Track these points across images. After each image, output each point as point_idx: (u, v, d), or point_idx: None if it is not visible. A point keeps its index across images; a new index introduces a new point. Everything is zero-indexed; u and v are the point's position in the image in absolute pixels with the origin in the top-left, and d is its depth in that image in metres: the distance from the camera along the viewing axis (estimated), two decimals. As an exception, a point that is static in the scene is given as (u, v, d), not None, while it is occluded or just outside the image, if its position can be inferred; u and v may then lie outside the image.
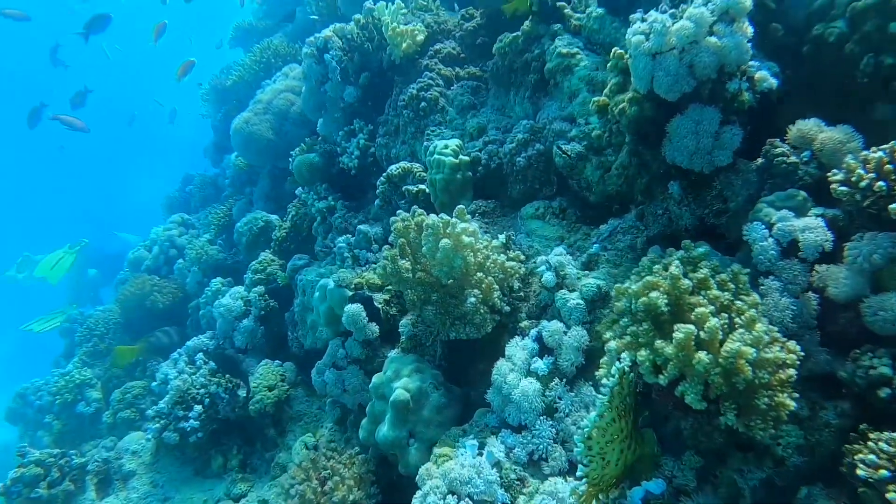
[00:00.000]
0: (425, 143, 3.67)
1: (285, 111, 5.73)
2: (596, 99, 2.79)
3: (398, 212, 3.05)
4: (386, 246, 3.01)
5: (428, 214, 2.80)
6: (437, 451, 2.59)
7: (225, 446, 4.05)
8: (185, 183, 9.29)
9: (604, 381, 2.01)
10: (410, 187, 3.49)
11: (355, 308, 3.07)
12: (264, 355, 4.39)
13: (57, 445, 6.17)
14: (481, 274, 2.68)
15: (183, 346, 4.55)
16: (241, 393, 3.96)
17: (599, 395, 1.91)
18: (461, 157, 3.33)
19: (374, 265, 3.43)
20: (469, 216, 2.79)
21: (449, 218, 2.71)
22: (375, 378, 2.83)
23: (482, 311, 2.65)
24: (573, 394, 2.44)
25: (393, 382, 2.76)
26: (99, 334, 7.05)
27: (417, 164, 3.59)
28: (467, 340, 2.78)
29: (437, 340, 3.09)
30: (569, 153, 3.00)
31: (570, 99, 3.15)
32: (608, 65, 2.72)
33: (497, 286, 2.68)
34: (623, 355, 2.09)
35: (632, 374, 2.07)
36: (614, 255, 2.79)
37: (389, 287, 3.33)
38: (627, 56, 2.62)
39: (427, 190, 3.49)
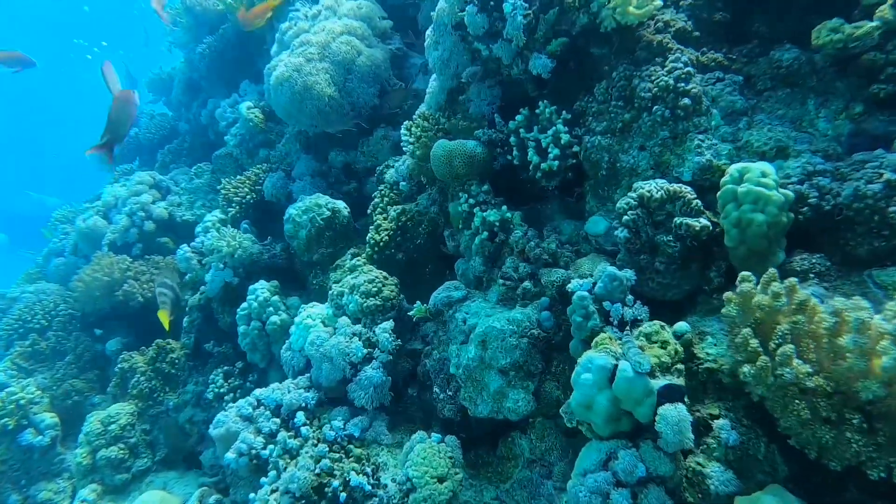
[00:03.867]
0: (696, 158, 2.67)
1: (349, 62, 4.35)
2: None
3: (743, 275, 2.10)
4: (746, 331, 2.05)
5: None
6: None
7: (353, 547, 2.92)
8: (126, 124, 7.29)
9: None
10: (691, 222, 2.50)
11: (681, 412, 2.09)
12: (386, 414, 3.25)
13: (-6, 488, 4.57)
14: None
15: (259, 396, 3.26)
16: (387, 480, 2.83)
17: None
18: (783, 191, 2.40)
19: (647, 332, 2.43)
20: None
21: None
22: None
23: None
24: None
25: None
26: (38, 328, 5.33)
27: (686, 188, 2.59)
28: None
29: (774, 450, 2.22)
30: (978, 210, 2.18)
31: (959, 130, 2.31)
32: None
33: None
34: None
35: None
36: None
37: (679, 367, 2.37)
38: None
39: (709, 227, 2.52)
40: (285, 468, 2.86)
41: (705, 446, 2.29)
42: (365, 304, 3.27)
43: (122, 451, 4.36)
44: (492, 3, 3.12)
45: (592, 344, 2.46)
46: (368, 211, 3.94)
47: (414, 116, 3.68)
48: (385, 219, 3.68)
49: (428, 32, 3.58)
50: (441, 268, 3.60)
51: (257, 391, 3.29)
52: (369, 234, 3.69)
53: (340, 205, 4.10)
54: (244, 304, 3.99)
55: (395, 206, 3.70)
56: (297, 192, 4.45)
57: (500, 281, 2.97)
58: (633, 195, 2.65)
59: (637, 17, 2.90)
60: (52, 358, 5.22)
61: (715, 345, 2.45)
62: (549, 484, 2.82)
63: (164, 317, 4.56)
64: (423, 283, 3.60)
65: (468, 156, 3.14)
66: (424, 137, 3.36)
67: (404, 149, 3.57)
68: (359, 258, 3.68)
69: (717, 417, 2.30)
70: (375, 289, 3.32)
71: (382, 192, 3.88)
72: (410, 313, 3.21)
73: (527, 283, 2.93)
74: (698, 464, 2.27)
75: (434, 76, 3.76)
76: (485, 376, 2.86)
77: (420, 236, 3.56)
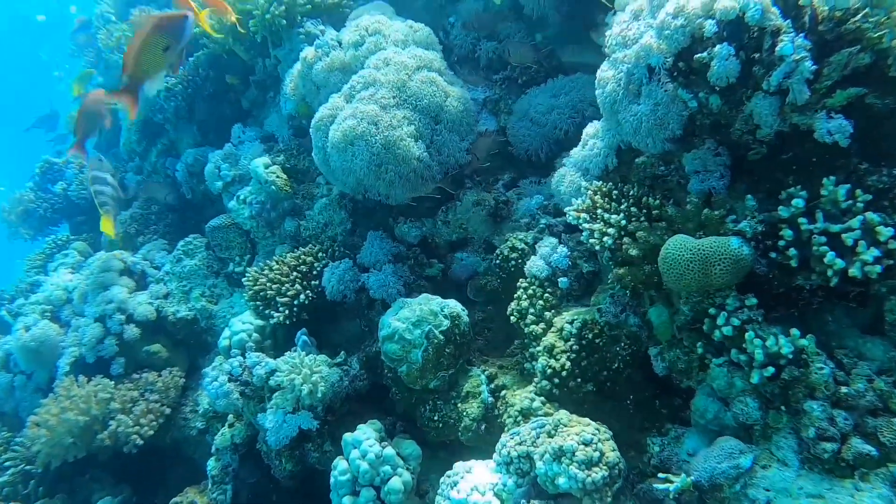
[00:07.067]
0: None
1: (437, 107, 3.29)
2: None
3: None
4: None
5: None
6: None
7: None
8: (45, 178, 5.66)
9: None
10: None
11: None
12: None
13: None
14: None
15: None
16: None
17: None
18: None
19: None
20: None
21: None
22: None
23: None
24: None
25: None
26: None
27: None
28: None
29: None
30: None
31: None
32: None
33: None
34: None
35: None
36: None
37: None
38: None
39: None
40: None
41: None
42: (588, 480, 2.25)
43: None
44: (752, 41, 2.19)
45: None
46: (512, 318, 2.89)
47: (585, 190, 2.68)
48: (556, 334, 2.66)
49: (606, 73, 2.58)
50: (646, 398, 2.65)
51: None
52: (542, 361, 2.65)
53: (458, 307, 3.01)
54: (342, 466, 2.80)
55: (566, 317, 2.69)
56: (376, 289, 3.28)
57: (823, 447, 2.06)
58: None
59: (973, 60, 2.08)
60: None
61: None
62: None
63: (108, 225, 3.84)
64: (624, 422, 2.63)
65: (734, 260, 2.19)
66: (642, 231, 2.36)
67: (589, 241, 2.56)
68: (530, 396, 2.64)
69: None
70: (596, 453, 2.30)
71: (532, 292, 2.85)
72: (669, 488, 2.22)
73: (859, 444, 2.05)
74: None
75: (599, 133, 2.78)
76: None
77: (617, 358, 2.58)
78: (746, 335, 2.21)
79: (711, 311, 2.29)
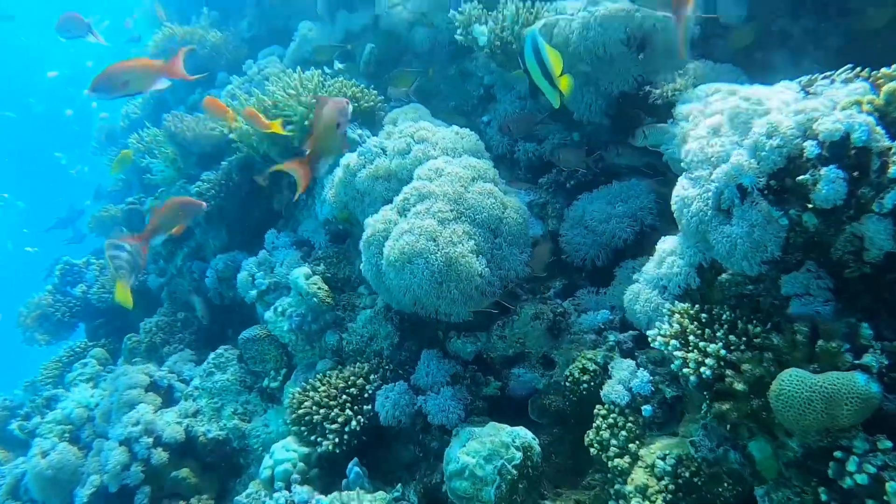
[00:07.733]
0: None
1: (496, 220, 3.16)
2: None
3: None
4: None
5: None
6: None
7: None
8: (65, 280, 5.49)
9: None
10: None
11: None
12: None
13: None
14: None
15: None
16: None
17: None
18: None
19: None
20: None
21: None
22: None
23: None
24: None
25: None
26: None
27: None
28: None
29: None
30: None
31: None
32: None
33: None
34: None
35: None
36: None
37: None
38: None
39: None
40: None
41: None
42: None
43: None
44: (856, 162, 2.07)
45: None
46: (593, 450, 2.64)
47: (670, 313, 2.50)
48: (646, 470, 2.41)
49: (689, 192, 2.46)
50: (754, 546, 2.36)
51: None
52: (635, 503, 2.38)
53: (528, 437, 2.77)
54: None
55: (656, 451, 2.44)
56: (435, 413, 3.04)
57: None
58: None
59: None
60: None
61: None
62: None
63: (123, 291, 3.54)
64: (733, 574, 2.33)
65: (862, 399, 1.99)
66: (747, 364, 2.17)
67: (682, 371, 2.35)
68: (625, 546, 2.35)
69: None
70: None
71: (612, 420, 2.61)
72: None
73: None
74: None
75: (677, 250, 2.63)
76: None
77: (718, 500, 2.32)
78: (888, 486, 1.96)
79: (838, 454, 2.06)
